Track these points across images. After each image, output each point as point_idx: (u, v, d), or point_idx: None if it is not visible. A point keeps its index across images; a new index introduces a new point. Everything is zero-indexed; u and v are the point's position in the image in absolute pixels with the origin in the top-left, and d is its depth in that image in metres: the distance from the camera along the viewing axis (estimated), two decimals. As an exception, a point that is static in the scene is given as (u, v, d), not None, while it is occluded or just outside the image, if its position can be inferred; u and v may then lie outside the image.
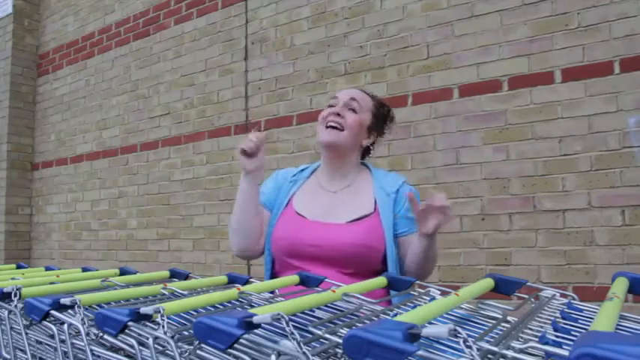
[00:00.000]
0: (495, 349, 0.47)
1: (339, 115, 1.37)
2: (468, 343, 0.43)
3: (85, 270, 1.20)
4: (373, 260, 1.31)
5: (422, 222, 1.24)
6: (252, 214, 1.37)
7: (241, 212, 1.37)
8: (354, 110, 1.39)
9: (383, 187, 1.39)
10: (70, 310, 0.68)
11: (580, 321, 0.69)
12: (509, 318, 0.68)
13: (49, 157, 4.84)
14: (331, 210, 1.36)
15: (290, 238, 1.33)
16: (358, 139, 1.41)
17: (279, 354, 0.51)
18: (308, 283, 0.99)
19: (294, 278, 0.99)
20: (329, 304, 0.77)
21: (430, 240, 1.26)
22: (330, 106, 1.41)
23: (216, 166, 3.60)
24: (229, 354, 0.55)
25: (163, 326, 0.57)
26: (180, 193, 3.77)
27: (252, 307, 0.74)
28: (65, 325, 0.66)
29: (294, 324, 0.52)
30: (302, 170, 1.49)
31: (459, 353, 0.46)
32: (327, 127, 1.38)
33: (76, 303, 0.67)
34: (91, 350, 0.64)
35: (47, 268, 1.27)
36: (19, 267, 1.34)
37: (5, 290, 0.77)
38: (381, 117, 1.47)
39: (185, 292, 0.84)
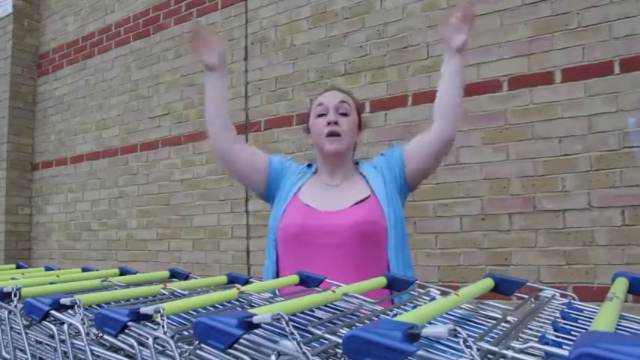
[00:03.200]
0: (495, 349, 0.47)
1: (336, 123, 1.42)
2: (467, 343, 0.43)
3: (85, 270, 1.20)
4: (380, 237, 1.35)
5: (451, 39, 1.42)
6: (225, 104, 1.48)
7: (217, 105, 1.46)
8: (345, 114, 1.45)
9: (369, 165, 1.48)
10: (70, 310, 0.68)
11: (580, 321, 0.69)
12: (509, 318, 0.68)
13: (49, 157, 4.84)
14: (336, 200, 1.41)
15: (302, 225, 1.36)
16: (354, 140, 1.49)
17: (279, 354, 0.51)
18: (308, 283, 0.99)
19: (294, 278, 0.99)
20: (329, 304, 0.77)
21: (462, 56, 1.42)
22: (321, 114, 1.44)
23: (216, 166, 3.60)
24: (229, 354, 0.55)
25: (163, 326, 0.57)
26: (180, 193, 3.77)
27: (252, 307, 0.74)
28: (65, 325, 0.66)
29: (294, 324, 0.52)
30: (308, 165, 1.54)
31: (459, 353, 0.46)
32: (327, 135, 1.41)
33: (76, 303, 0.67)
34: (91, 350, 0.64)
35: (47, 268, 1.27)
36: (19, 267, 1.34)
37: (5, 290, 0.77)
38: (359, 111, 1.54)
39: (185, 292, 0.84)
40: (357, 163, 1.53)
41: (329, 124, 1.41)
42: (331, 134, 1.41)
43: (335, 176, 1.47)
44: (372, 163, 1.50)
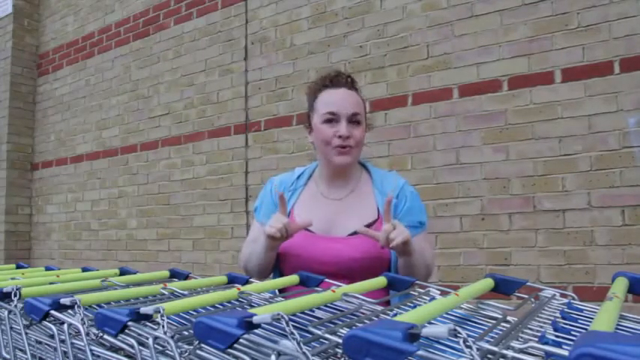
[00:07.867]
0: (495, 349, 0.47)
1: (348, 137, 1.30)
2: (467, 343, 0.43)
3: (85, 270, 1.20)
4: (383, 265, 1.29)
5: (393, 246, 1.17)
6: (270, 262, 1.33)
7: (261, 262, 1.31)
8: (357, 122, 1.33)
9: (383, 191, 1.34)
10: (70, 310, 0.68)
11: (580, 321, 0.69)
12: (509, 318, 0.68)
13: (49, 157, 4.84)
14: (336, 220, 1.32)
15: (299, 255, 1.29)
16: (362, 146, 1.38)
17: (279, 354, 0.51)
18: (308, 283, 0.99)
19: (294, 278, 0.99)
20: (329, 304, 0.77)
21: (409, 256, 1.21)
22: (329, 120, 1.32)
23: (216, 166, 3.60)
24: (229, 354, 0.55)
25: (163, 326, 0.57)
26: (180, 193, 3.77)
27: (252, 307, 0.74)
28: (65, 325, 0.66)
29: (294, 324, 0.52)
30: (298, 177, 1.44)
31: (459, 353, 0.46)
32: (336, 148, 1.31)
33: (76, 303, 0.67)
34: (91, 350, 0.63)
35: (47, 268, 1.27)
36: (19, 267, 1.34)
37: (5, 290, 0.77)
38: (366, 112, 1.42)
39: (185, 292, 0.84)
40: (364, 166, 1.44)
41: (340, 137, 1.29)
42: (341, 148, 1.30)
43: (336, 187, 1.37)
44: (388, 185, 1.36)
